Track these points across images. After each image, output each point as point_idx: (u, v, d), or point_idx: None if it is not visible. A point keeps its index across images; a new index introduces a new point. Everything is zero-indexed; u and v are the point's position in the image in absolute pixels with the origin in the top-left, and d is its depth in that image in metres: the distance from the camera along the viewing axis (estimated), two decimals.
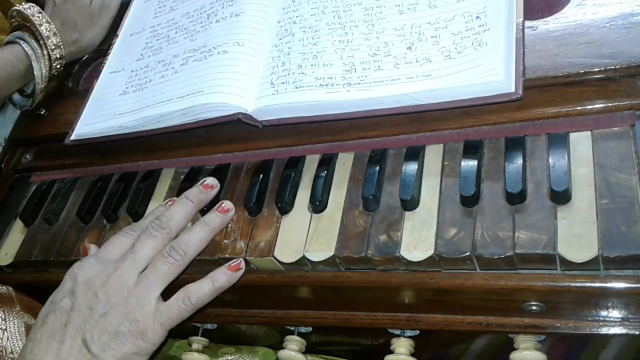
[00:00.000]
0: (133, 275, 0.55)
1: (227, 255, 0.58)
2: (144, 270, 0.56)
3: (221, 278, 0.56)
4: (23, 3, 0.78)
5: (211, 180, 0.62)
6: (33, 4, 0.78)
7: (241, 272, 0.57)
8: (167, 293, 0.56)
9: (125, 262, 0.56)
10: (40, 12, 0.77)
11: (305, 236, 0.56)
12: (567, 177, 0.48)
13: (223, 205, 0.60)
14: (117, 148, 0.73)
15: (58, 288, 0.57)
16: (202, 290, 0.56)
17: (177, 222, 0.59)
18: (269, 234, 0.58)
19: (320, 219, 0.56)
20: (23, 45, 0.76)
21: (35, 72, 0.76)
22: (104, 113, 0.72)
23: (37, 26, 0.76)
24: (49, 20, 0.77)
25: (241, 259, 0.57)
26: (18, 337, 0.64)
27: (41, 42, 0.76)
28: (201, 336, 0.65)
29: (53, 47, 0.77)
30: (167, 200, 0.64)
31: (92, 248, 0.62)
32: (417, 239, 0.51)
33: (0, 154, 0.83)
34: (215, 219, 0.59)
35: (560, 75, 0.52)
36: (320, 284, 0.56)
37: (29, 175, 0.81)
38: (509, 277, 0.49)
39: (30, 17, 0.76)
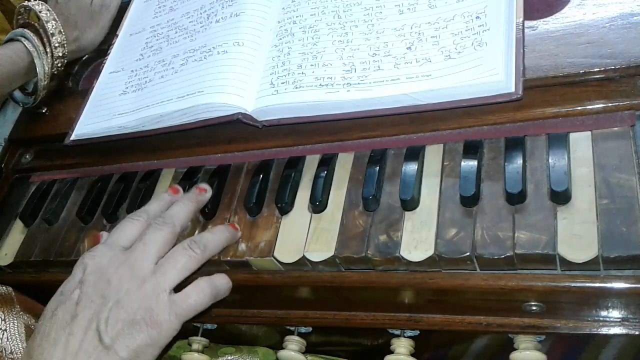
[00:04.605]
0: (147, 264, 0.54)
1: (228, 258, 0.58)
2: (156, 261, 0.55)
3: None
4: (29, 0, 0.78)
5: (204, 185, 0.63)
6: (41, 1, 0.78)
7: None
8: None
9: (136, 251, 0.55)
10: (48, 9, 0.77)
11: (305, 236, 0.56)
12: (567, 177, 0.48)
13: (235, 224, 0.60)
14: (117, 148, 0.73)
15: (68, 279, 0.55)
16: (221, 282, 0.56)
17: (179, 219, 0.59)
18: (269, 234, 0.58)
19: (320, 219, 0.56)
20: (24, 43, 0.76)
21: (37, 69, 0.76)
22: (104, 113, 0.72)
23: (45, 22, 0.75)
24: (56, 17, 0.77)
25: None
26: (18, 338, 0.63)
27: (45, 39, 0.76)
28: (201, 336, 0.65)
29: (57, 45, 0.77)
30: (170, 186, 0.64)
31: (104, 235, 0.61)
32: (417, 239, 0.51)
33: (0, 154, 0.83)
34: (232, 231, 0.59)
35: (560, 75, 0.52)
36: (320, 284, 0.56)
37: (29, 175, 0.81)
38: (509, 277, 0.49)
39: (38, 13, 0.76)
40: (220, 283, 0.56)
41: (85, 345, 0.49)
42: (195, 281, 0.55)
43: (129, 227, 0.59)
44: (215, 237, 0.58)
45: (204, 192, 0.62)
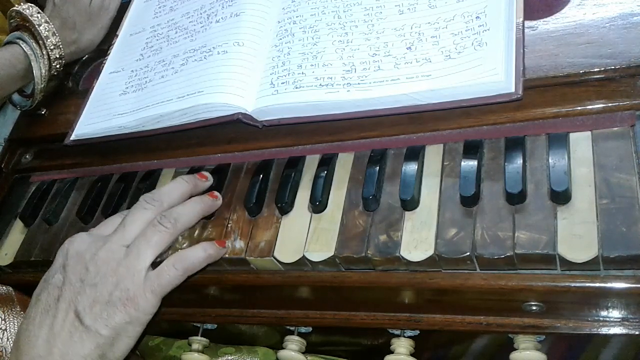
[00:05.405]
0: (122, 247, 0.56)
1: (227, 256, 0.58)
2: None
3: (211, 248, 0.57)
4: (22, 3, 0.78)
5: (206, 172, 0.64)
6: (32, 4, 0.78)
7: (224, 251, 0.58)
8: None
9: (115, 235, 0.57)
10: (39, 12, 0.77)
11: (305, 236, 0.56)
12: (567, 177, 0.48)
13: (214, 192, 0.62)
14: (117, 148, 0.73)
15: (51, 266, 0.58)
16: (194, 255, 0.56)
17: (170, 197, 0.60)
18: (269, 234, 0.58)
19: (320, 219, 0.56)
20: (22, 46, 0.76)
21: (34, 72, 0.77)
22: (104, 113, 0.72)
23: (36, 26, 0.76)
24: (48, 20, 0.77)
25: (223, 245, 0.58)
26: None
27: (40, 42, 0.76)
28: (201, 336, 0.65)
29: (52, 47, 0.77)
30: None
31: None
32: (417, 239, 0.51)
33: (0, 154, 0.83)
34: (207, 200, 0.61)
35: (560, 75, 0.52)
36: (320, 284, 0.56)
37: (29, 175, 0.81)
38: (509, 277, 0.49)
39: (29, 17, 0.76)
40: (194, 256, 0.56)
41: (67, 326, 0.52)
42: (169, 257, 0.56)
43: (113, 220, 0.61)
44: (186, 209, 0.59)
45: (204, 179, 0.63)
